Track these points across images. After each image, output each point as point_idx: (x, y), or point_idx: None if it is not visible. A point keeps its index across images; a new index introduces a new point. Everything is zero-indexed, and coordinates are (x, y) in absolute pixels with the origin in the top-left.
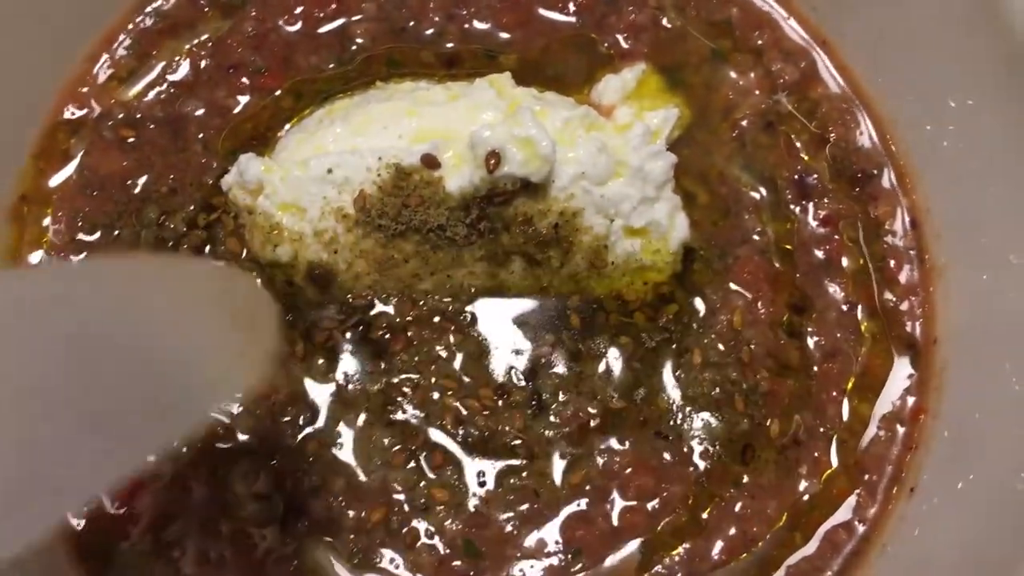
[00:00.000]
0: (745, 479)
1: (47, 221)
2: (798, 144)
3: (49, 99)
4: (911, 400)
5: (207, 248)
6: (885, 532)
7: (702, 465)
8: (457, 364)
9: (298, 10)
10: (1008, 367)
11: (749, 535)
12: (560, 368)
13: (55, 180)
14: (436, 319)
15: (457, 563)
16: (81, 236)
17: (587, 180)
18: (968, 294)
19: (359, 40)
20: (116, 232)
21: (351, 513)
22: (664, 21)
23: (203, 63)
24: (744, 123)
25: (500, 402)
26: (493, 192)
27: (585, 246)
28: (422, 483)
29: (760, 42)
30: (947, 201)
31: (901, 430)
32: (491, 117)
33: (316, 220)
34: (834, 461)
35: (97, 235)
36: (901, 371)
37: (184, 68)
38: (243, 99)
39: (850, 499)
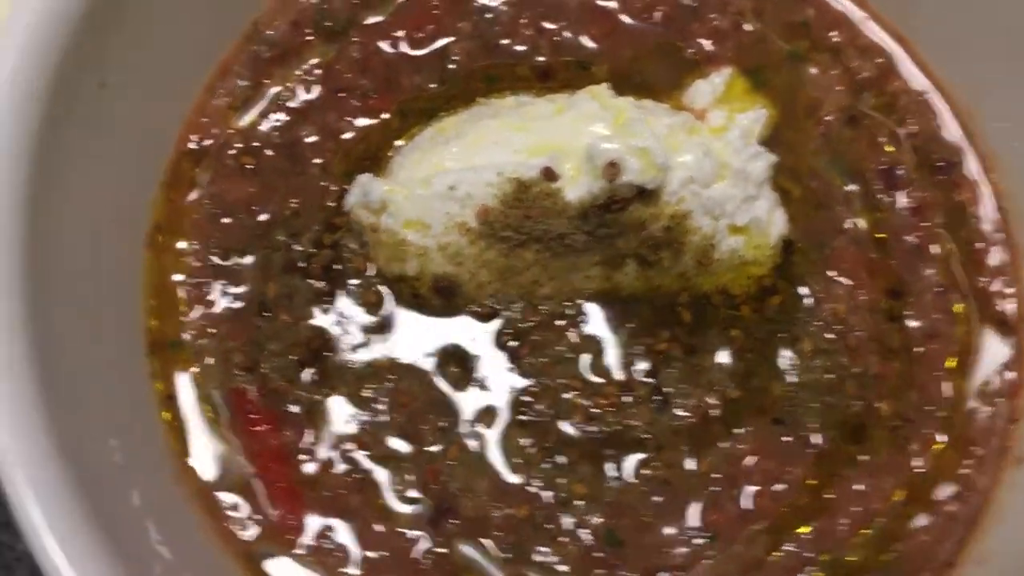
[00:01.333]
0: (861, 458)
1: (182, 245)
2: (881, 137)
3: (174, 130)
4: (1009, 375)
5: (334, 267)
6: (997, 501)
7: (820, 447)
8: (581, 365)
9: (398, 33)
10: None
11: (869, 511)
12: (677, 362)
13: (185, 208)
14: (557, 322)
15: (600, 553)
16: (215, 260)
17: (695, 183)
18: None
19: (456, 58)
20: (247, 257)
21: (497, 512)
22: (745, 26)
23: (313, 89)
24: (828, 119)
25: (625, 398)
26: (610, 200)
27: (694, 246)
28: (560, 479)
29: (837, 40)
30: None
31: (1002, 403)
32: (601, 128)
33: (440, 235)
34: (942, 437)
35: (231, 260)
36: (997, 349)
37: (295, 94)
38: (353, 121)
39: (961, 471)
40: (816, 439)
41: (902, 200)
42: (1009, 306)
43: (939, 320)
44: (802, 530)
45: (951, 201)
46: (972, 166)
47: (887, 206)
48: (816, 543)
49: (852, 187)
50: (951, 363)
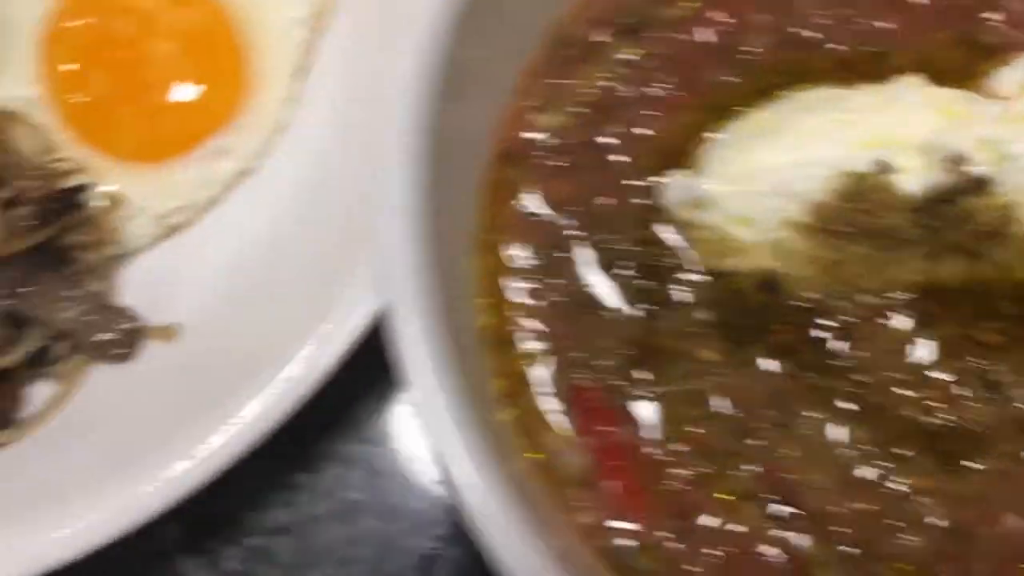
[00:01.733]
0: None
1: (506, 246)
2: None
3: (489, 135)
4: None
5: (654, 262)
6: None
7: None
8: (908, 357)
9: (697, 29)
10: None
11: None
12: (1006, 354)
13: (505, 210)
14: (880, 316)
15: (948, 548)
16: (538, 260)
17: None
18: None
19: (757, 50)
20: (570, 254)
21: (842, 507)
22: None
23: (616, 85)
24: None
25: (957, 391)
26: (949, 193)
27: (1019, 236)
28: (902, 473)
29: None
30: None
31: None
32: (932, 119)
33: (767, 231)
34: None
35: (554, 258)
36: None
37: (600, 92)
38: (657, 117)
39: None
40: None
41: None
42: None
43: None
44: None
45: None
46: None
47: None
48: None
49: None
50: None
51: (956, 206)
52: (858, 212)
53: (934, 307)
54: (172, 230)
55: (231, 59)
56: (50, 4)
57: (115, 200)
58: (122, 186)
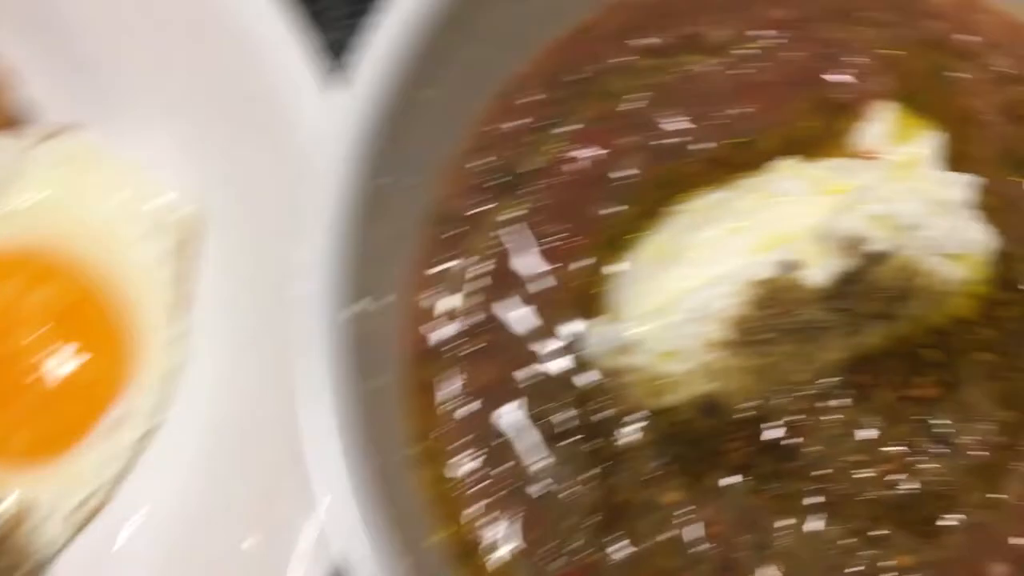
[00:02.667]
0: None
1: (448, 454)
2: None
3: (400, 337)
4: None
5: (594, 419)
6: None
7: None
8: (858, 436)
9: (574, 167)
10: None
11: None
12: (944, 404)
13: (434, 414)
14: (820, 404)
15: None
16: (482, 454)
17: (916, 231)
18: None
19: (630, 172)
20: (513, 439)
21: None
22: (883, 52)
23: (509, 250)
24: (988, 120)
25: (912, 457)
26: (853, 274)
27: (923, 288)
28: (883, 556)
29: (972, 40)
30: None
31: None
32: (819, 203)
33: (695, 357)
34: None
35: (496, 447)
36: None
37: (494, 261)
38: (557, 269)
39: None
40: None
41: None
42: None
43: None
44: None
45: None
46: None
47: None
48: None
49: None
50: None
51: (867, 283)
52: (774, 316)
53: (866, 379)
54: (87, 519)
55: (105, 324)
56: None
57: (20, 511)
58: (23, 493)
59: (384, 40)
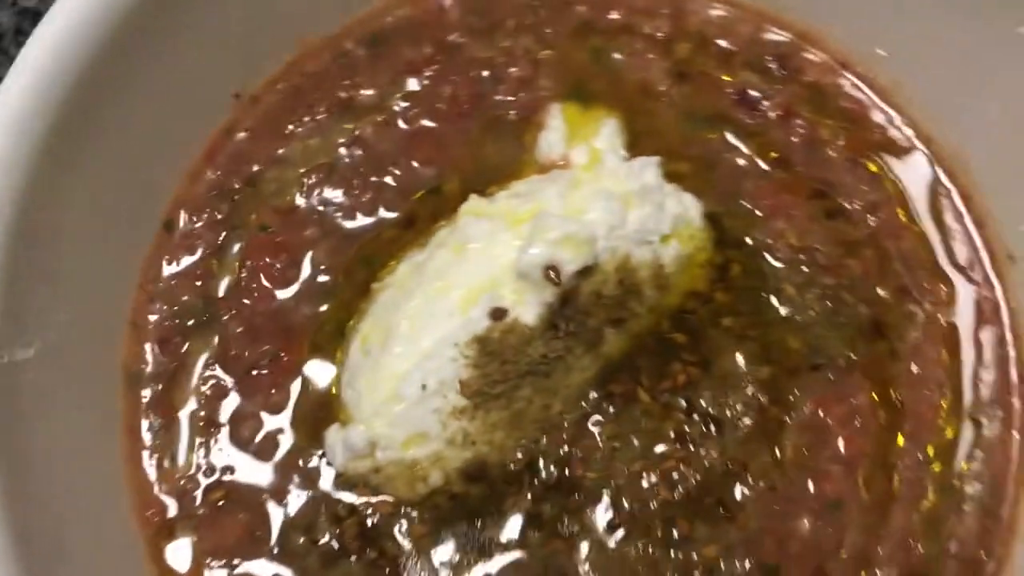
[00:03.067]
0: (897, 346)
1: None
2: (715, 73)
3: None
4: (947, 188)
5: (366, 529)
6: (1015, 301)
7: (860, 362)
8: (634, 446)
9: (258, 283)
10: None
11: (936, 383)
12: (704, 382)
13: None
14: (586, 426)
15: None
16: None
17: (615, 229)
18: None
19: (323, 266)
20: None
21: None
22: (540, 56)
23: (223, 391)
24: (662, 88)
25: (690, 447)
26: (564, 297)
27: (648, 279)
28: (691, 554)
29: (618, 16)
30: (869, 34)
31: (966, 221)
32: (509, 240)
33: (441, 432)
34: (942, 285)
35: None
36: (920, 167)
37: (213, 405)
38: (277, 392)
39: (973, 288)
40: (851, 357)
41: (770, 113)
42: (907, 132)
43: (866, 189)
44: (899, 444)
45: (806, 87)
46: (804, 49)
47: (761, 127)
48: (916, 447)
49: (723, 132)
50: (902, 216)
51: (582, 297)
52: (504, 364)
53: (622, 387)
54: None
55: None
56: None
57: None
58: None
59: None
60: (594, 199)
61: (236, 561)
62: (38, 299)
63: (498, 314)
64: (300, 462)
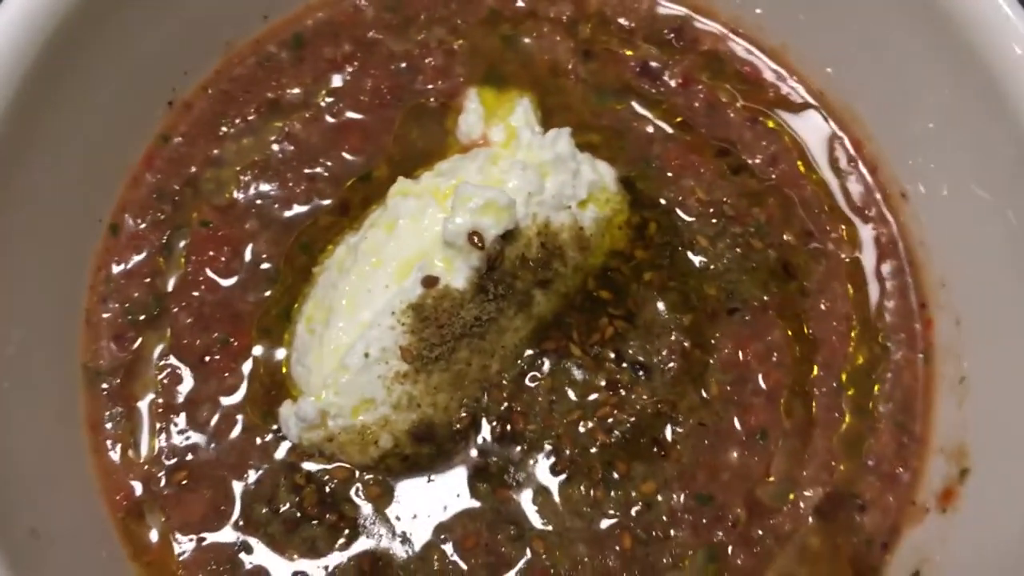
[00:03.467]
0: (806, 285)
1: None
2: (617, 49)
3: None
4: (844, 144)
5: (325, 494)
6: (909, 235)
7: (772, 303)
8: (568, 396)
9: (204, 275)
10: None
11: (843, 317)
12: (630, 333)
13: (163, 553)
14: (523, 383)
15: (705, 519)
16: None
17: (534, 196)
18: (818, 60)
19: (265, 255)
20: (255, 549)
21: (612, 560)
22: (455, 46)
23: (179, 376)
24: (571, 67)
25: (620, 392)
26: (490, 261)
27: (569, 241)
28: (630, 491)
29: (523, 4)
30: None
31: (856, 166)
32: (434, 213)
33: (387, 397)
34: (843, 225)
35: (245, 561)
36: (814, 120)
37: (170, 392)
38: (230, 375)
39: (871, 227)
40: (764, 298)
41: (670, 82)
42: (799, 89)
43: (766, 144)
44: (814, 374)
45: (703, 55)
46: (696, 20)
47: (664, 95)
48: (831, 375)
49: (629, 102)
50: (801, 167)
51: (507, 262)
52: (440, 329)
53: (555, 343)
54: None
55: None
56: None
57: None
58: None
59: None
60: (512, 170)
61: (204, 534)
62: None
63: (430, 282)
64: (257, 439)
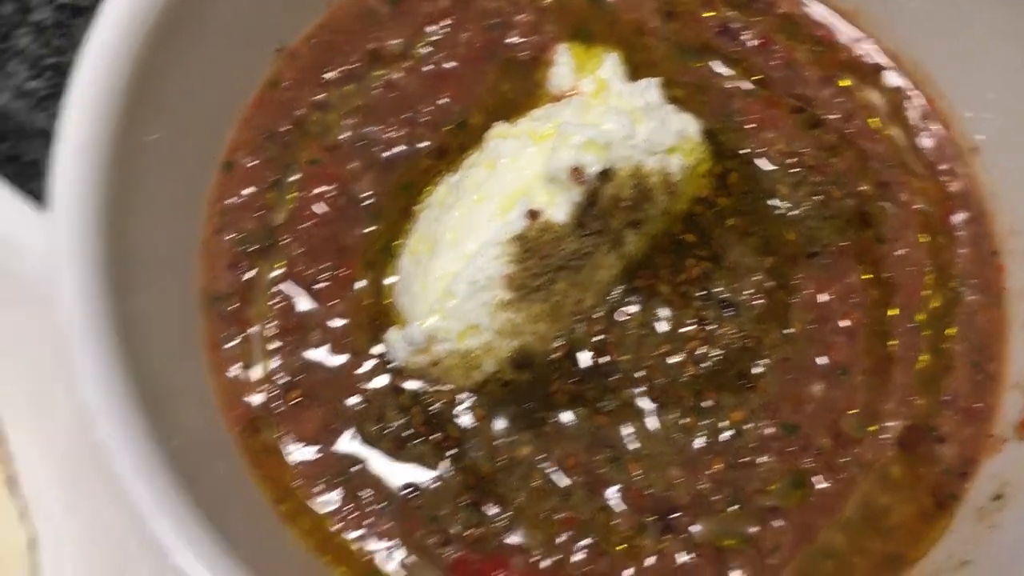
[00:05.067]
0: (880, 232)
1: (314, 502)
2: (697, 10)
3: (226, 423)
4: (916, 102)
5: (430, 414)
6: (980, 186)
7: (849, 247)
8: (658, 331)
9: (312, 210)
10: None
11: (918, 263)
12: (715, 273)
13: (283, 473)
14: (615, 317)
15: (793, 447)
16: (338, 484)
17: (627, 140)
18: (891, 17)
19: (369, 192)
20: (362, 462)
21: (703, 484)
22: (545, 3)
23: (287, 300)
24: (654, 27)
25: (708, 327)
26: (590, 197)
27: (658, 185)
28: (719, 420)
29: None
30: None
31: (926, 128)
32: (534, 153)
33: (491, 324)
34: (917, 179)
35: (352, 472)
36: (888, 79)
37: (282, 317)
38: (340, 303)
39: (945, 181)
40: (842, 244)
41: (750, 43)
42: (873, 50)
43: (841, 101)
44: (891, 313)
45: (779, 18)
46: None
47: (744, 54)
48: (907, 316)
49: (708, 61)
50: (875, 123)
51: (604, 200)
52: (541, 261)
53: (644, 282)
54: None
55: None
56: None
57: None
58: None
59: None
60: (606, 115)
61: (317, 449)
62: (130, 236)
63: (533, 215)
64: (364, 362)
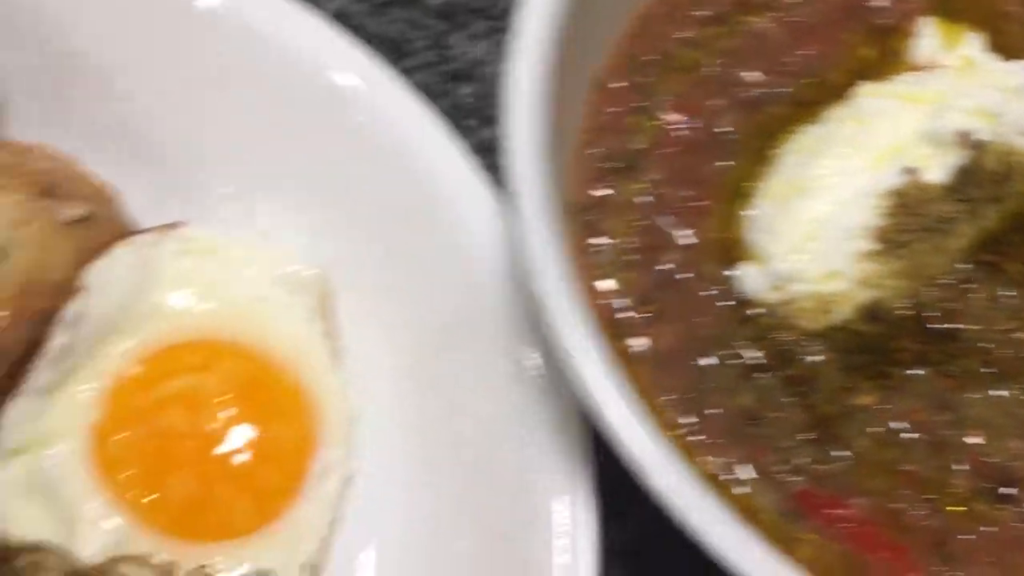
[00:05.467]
0: None
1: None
2: None
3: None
4: None
5: (777, 348)
6: None
7: None
8: (1004, 307)
9: (673, 138)
10: None
11: None
12: None
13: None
14: (964, 287)
15: None
16: (690, 399)
17: (1000, 118)
18: None
19: (727, 129)
20: (708, 383)
21: None
22: None
23: (649, 220)
24: (1012, 10)
25: None
26: (968, 164)
27: (1021, 166)
28: None
29: None
30: None
31: None
32: (913, 112)
33: (851, 272)
34: None
35: (698, 392)
36: None
37: (638, 232)
38: (694, 230)
39: None
40: None
41: None
42: None
43: None
44: None
45: None
46: None
47: None
48: None
49: None
50: None
51: (978, 169)
52: (908, 219)
53: (994, 257)
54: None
55: (283, 388)
56: (84, 439)
57: None
58: (254, 563)
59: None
60: (983, 89)
61: (668, 363)
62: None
63: (909, 173)
64: (714, 289)
